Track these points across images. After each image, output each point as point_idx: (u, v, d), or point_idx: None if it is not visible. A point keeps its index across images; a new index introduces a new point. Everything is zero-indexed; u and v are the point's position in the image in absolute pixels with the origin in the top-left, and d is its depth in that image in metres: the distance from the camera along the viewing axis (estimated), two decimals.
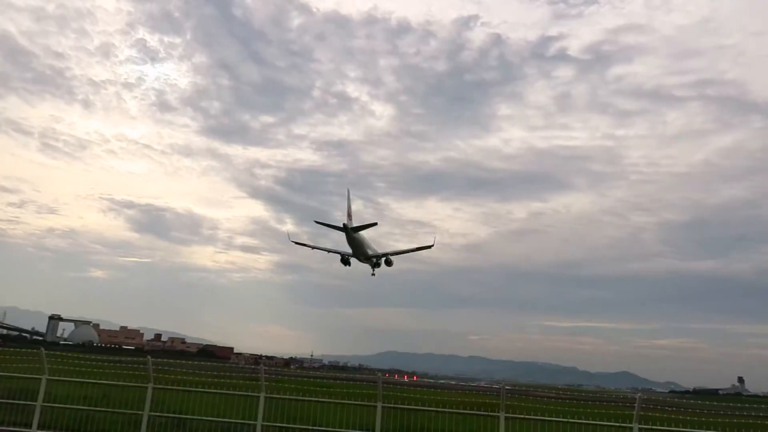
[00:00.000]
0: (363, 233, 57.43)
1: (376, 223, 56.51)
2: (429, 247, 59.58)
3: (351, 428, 17.60)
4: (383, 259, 61.85)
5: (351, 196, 57.76)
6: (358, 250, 59.71)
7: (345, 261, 62.40)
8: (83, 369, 19.93)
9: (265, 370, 16.38)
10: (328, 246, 63.28)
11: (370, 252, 60.78)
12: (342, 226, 55.29)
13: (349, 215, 56.08)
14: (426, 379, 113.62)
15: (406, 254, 63.25)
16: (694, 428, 15.03)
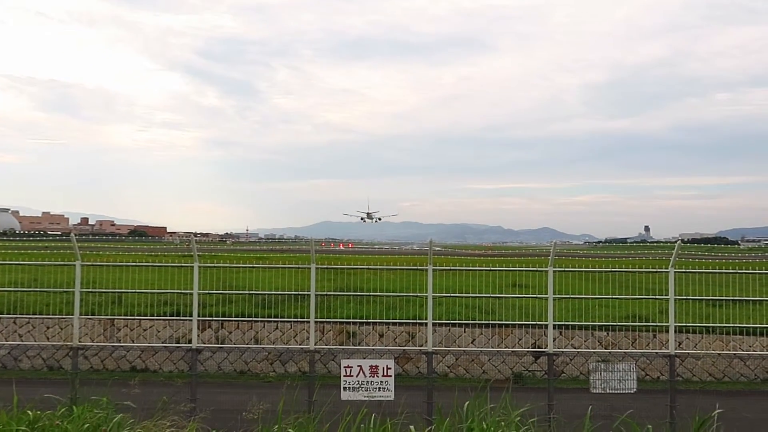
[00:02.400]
0: (373, 214, 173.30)
1: (377, 212, 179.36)
2: (394, 215, 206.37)
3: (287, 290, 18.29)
4: (379, 218, 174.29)
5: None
6: (369, 217, 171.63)
7: (363, 219, 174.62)
8: (8, 252, 19.42)
9: (197, 240, 16.49)
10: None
11: (373, 218, 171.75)
12: (366, 214, 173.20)
13: (369, 208, 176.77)
14: (361, 246, 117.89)
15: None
16: (601, 267, 16.72)
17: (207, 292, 16.59)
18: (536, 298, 16.05)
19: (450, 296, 18.65)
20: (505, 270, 17.15)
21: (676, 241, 15.17)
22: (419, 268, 16.48)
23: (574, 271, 17.52)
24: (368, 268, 17.60)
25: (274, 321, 20.80)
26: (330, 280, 21.11)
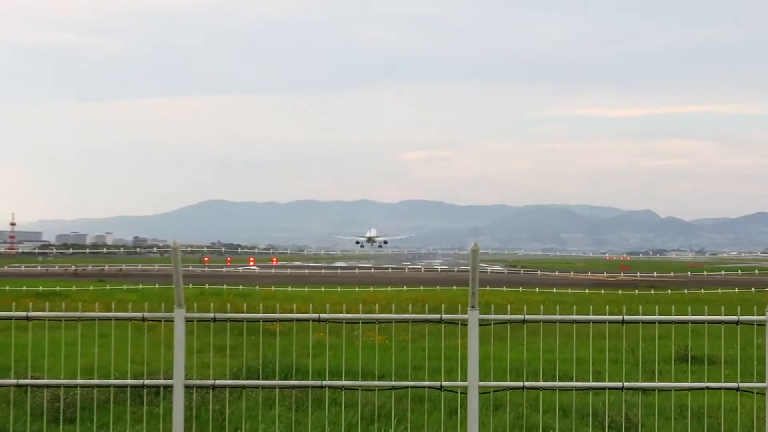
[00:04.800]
0: (376, 238, 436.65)
1: (385, 235, 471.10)
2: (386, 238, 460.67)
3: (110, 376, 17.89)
4: (385, 242, 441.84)
5: None
6: (370, 242, 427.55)
7: (361, 245, 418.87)
8: None
9: None
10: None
11: (377, 241, 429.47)
12: (367, 238, 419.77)
13: (370, 232, 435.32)
14: (299, 258, 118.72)
15: None
16: None
17: None
18: (745, 392, 15.44)
19: (527, 387, 17.85)
20: (665, 322, 16.52)
21: None
22: (448, 318, 15.72)
23: None
24: (320, 321, 16.77)
25: None
26: (228, 348, 21.11)
